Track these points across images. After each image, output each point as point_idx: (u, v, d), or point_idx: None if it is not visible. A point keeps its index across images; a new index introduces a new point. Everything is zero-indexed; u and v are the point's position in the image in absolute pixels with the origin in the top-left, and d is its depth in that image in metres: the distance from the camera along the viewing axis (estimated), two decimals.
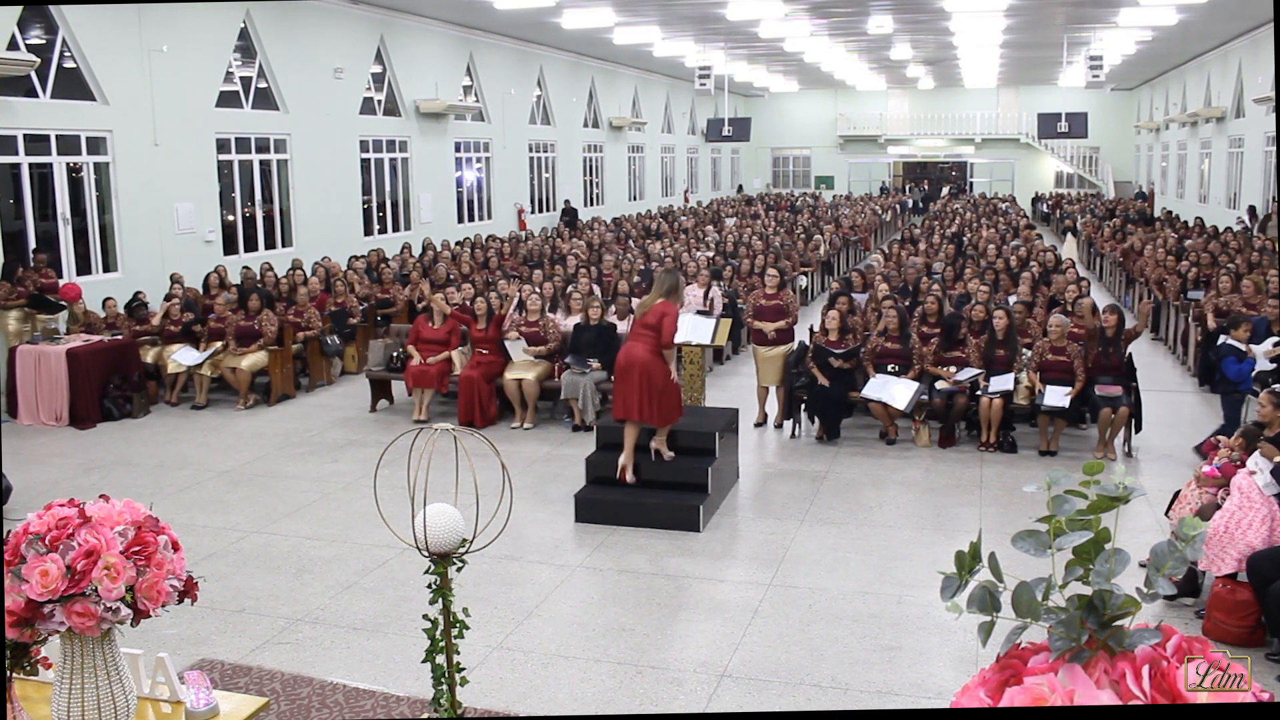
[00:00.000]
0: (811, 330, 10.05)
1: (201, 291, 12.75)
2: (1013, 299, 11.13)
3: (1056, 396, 8.65)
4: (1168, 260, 14.57)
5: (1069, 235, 23.90)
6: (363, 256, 15.52)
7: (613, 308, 11.12)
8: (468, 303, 10.65)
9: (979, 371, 9.06)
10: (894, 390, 9.01)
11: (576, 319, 10.47)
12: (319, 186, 16.43)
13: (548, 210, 24.86)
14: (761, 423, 9.80)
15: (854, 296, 11.00)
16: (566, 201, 24.66)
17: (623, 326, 10.60)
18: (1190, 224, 21.78)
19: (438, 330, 10.26)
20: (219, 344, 10.94)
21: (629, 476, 7.36)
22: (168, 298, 11.71)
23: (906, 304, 10.78)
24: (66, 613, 2.36)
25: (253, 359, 10.81)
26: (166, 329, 11.26)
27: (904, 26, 21.64)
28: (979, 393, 8.93)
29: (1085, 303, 9.85)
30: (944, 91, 38.32)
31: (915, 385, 9.05)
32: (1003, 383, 8.87)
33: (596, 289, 11.95)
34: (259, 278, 13.34)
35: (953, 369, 9.16)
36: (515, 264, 16.00)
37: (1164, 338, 13.64)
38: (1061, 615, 1.49)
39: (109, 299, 11.63)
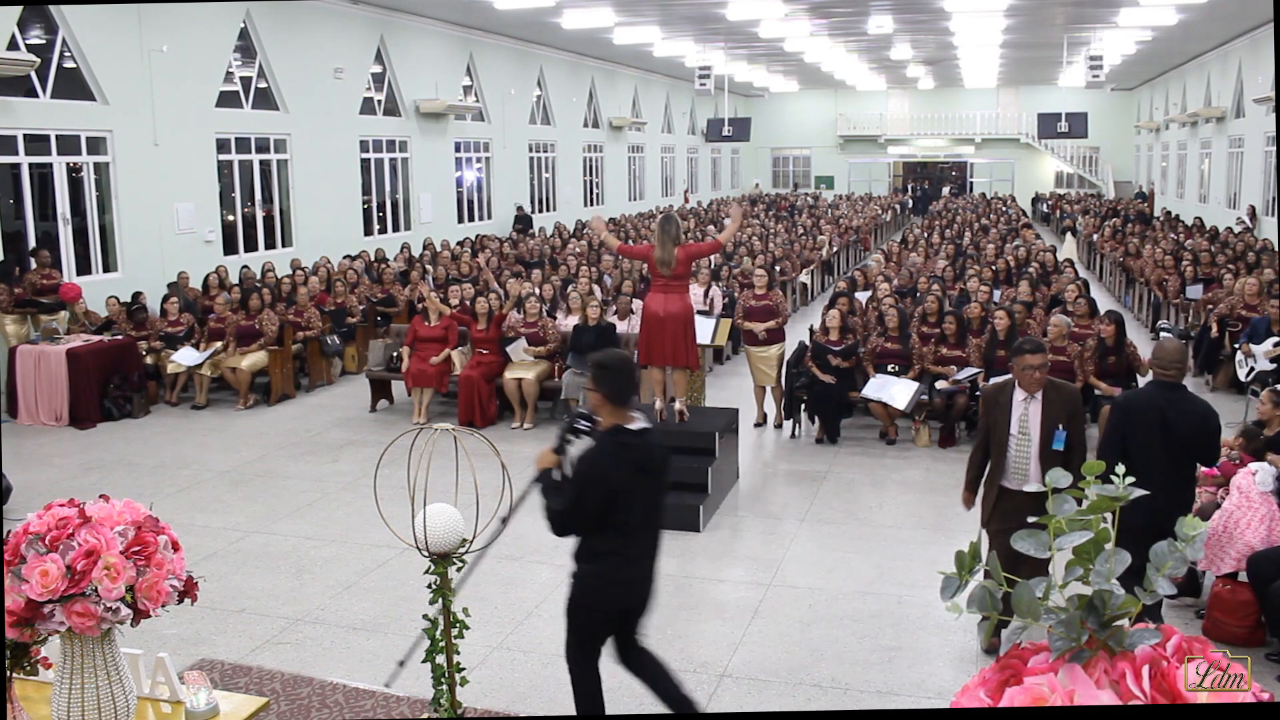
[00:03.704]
0: (811, 330, 10.05)
1: (201, 291, 12.75)
2: (998, 294, 11.14)
3: None
4: (1166, 260, 14.58)
5: (1068, 235, 23.90)
6: (357, 256, 15.53)
7: (613, 307, 11.12)
8: (467, 302, 10.65)
9: (979, 370, 9.06)
10: (894, 390, 9.01)
11: (576, 319, 10.48)
12: (319, 186, 16.43)
13: (548, 210, 24.85)
14: (761, 423, 9.80)
15: (855, 296, 11.00)
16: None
17: (623, 326, 10.60)
18: (1190, 225, 21.78)
19: (434, 328, 10.25)
20: (219, 344, 10.94)
21: (667, 414, 7.75)
22: (166, 298, 11.71)
23: (907, 302, 10.78)
24: (66, 613, 2.36)
25: (253, 359, 10.81)
26: (165, 330, 11.26)
27: (904, 26, 21.63)
28: (978, 392, 8.93)
29: (1081, 304, 9.84)
30: (944, 91, 38.29)
31: (915, 385, 9.05)
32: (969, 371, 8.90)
33: (596, 288, 11.96)
34: (260, 277, 13.35)
35: (953, 368, 9.16)
36: (510, 264, 16.02)
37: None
38: (1061, 615, 1.49)
39: (111, 297, 11.64)
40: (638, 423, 3.92)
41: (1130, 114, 37.11)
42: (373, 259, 15.52)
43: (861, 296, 11.43)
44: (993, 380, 8.89)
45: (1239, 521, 5.42)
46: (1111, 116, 36.09)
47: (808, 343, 9.77)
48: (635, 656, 4.18)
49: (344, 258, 15.29)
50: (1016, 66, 29.89)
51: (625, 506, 3.82)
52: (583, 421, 3.90)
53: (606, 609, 4.02)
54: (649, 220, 23.34)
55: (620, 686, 5.00)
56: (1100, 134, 33.83)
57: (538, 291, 11.25)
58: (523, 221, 22.10)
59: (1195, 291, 12.84)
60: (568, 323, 10.63)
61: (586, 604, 4.00)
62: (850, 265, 20.53)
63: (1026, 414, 5.15)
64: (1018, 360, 5.17)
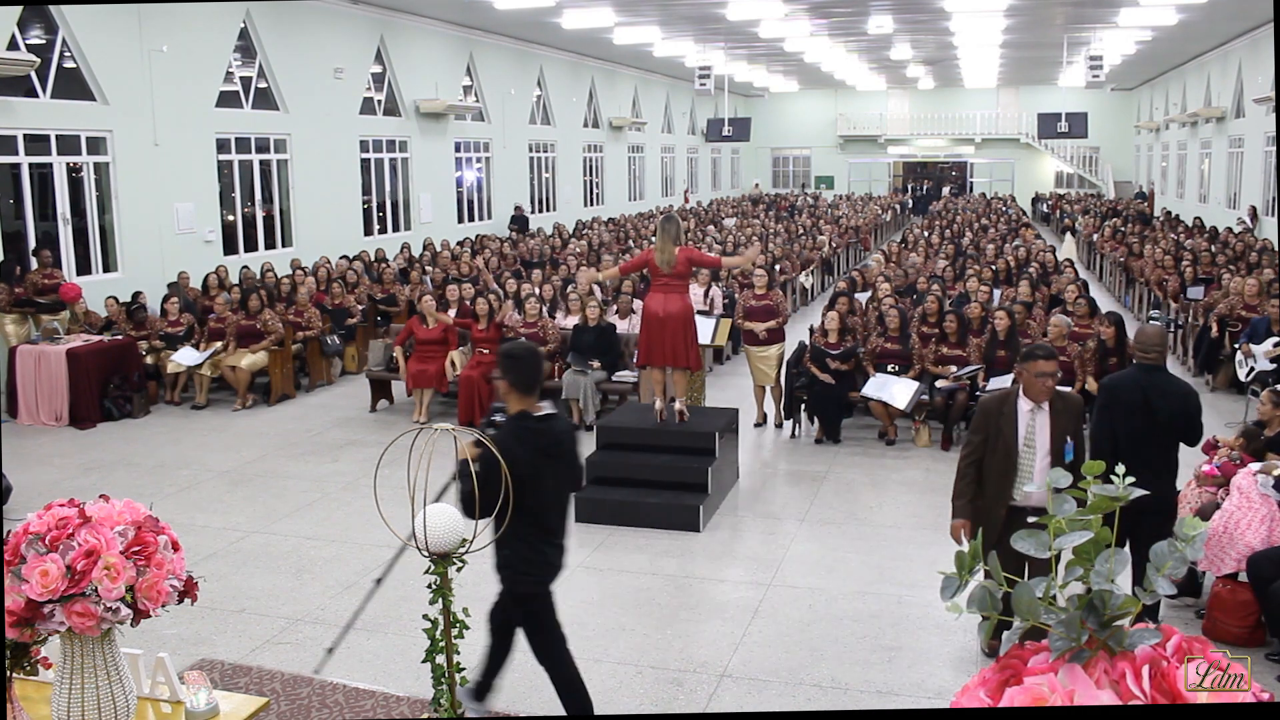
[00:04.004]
0: (811, 330, 10.04)
1: (201, 292, 12.74)
2: (998, 293, 11.13)
3: None
4: (1165, 261, 14.57)
5: (1069, 235, 23.91)
6: (355, 257, 15.46)
7: (613, 307, 11.11)
8: (468, 302, 10.64)
9: (979, 366, 9.05)
10: (894, 389, 9.01)
11: (575, 319, 10.48)
12: (319, 186, 16.42)
13: (548, 210, 24.84)
14: (761, 423, 9.80)
15: (855, 296, 11.00)
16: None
17: (623, 326, 10.59)
18: (1190, 225, 21.77)
19: (432, 330, 10.23)
20: (219, 344, 10.93)
21: (667, 414, 7.78)
22: (167, 298, 11.69)
23: (907, 302, 10.77)
24: (66, 613, 2.36)
25: (252, 359, 10.80)
26: (165, 330, 11.23)
27: (904, 26, 21.63)
28: (979, 392, 8.93)
29: (1081, 304, 9.82)
30: (944, 91, 38.29)
31: (915, 385, 9.05)
32: (1002, 382, 8.87)
33: (596, 288, 11.95)
34: (259, 277, 13.32)
35: (953, 368, 9.15)
36: (510, 264, 15.99)
37: None
38: (1061, 615, 1.49)
39: (110, 298, 11.62)
40: (544, 409, 4.19)
41: (1130, 114, 37.12)
42: (372, 259, 15.49)
43: (861, 297, 11.43)
44: (991, 388, 8.88)
45: (1239, 522, 5.42)
46: (1111, 116, 36.09)
47: (808, 343, 9.77)
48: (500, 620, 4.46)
49: (340, 258, 15.25)
50: (1016, 66, 29.89)
51: (533, 490, 3.98)
52: (501, 414, 4.23)
53: (539, 589, 4.24)
54: (649, 220, 23.37)
55: (619, 686, 5.01)
56: (1100, 134, 33.83)
57: (537, 292, 11.25)
58: (519, 222, 22.02)
59: (1196, 293, 12.85)
60: (568, 323, 10.63)
61: (524, 593, 4.22)
62: (850, 265, 20.53)
63: (1034, 425, 4.90)
64: (1029, 366, 4.87)
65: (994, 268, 13.34)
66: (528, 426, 4.09)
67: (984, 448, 5.01)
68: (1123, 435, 5.15)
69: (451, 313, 10.64)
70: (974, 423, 5.17)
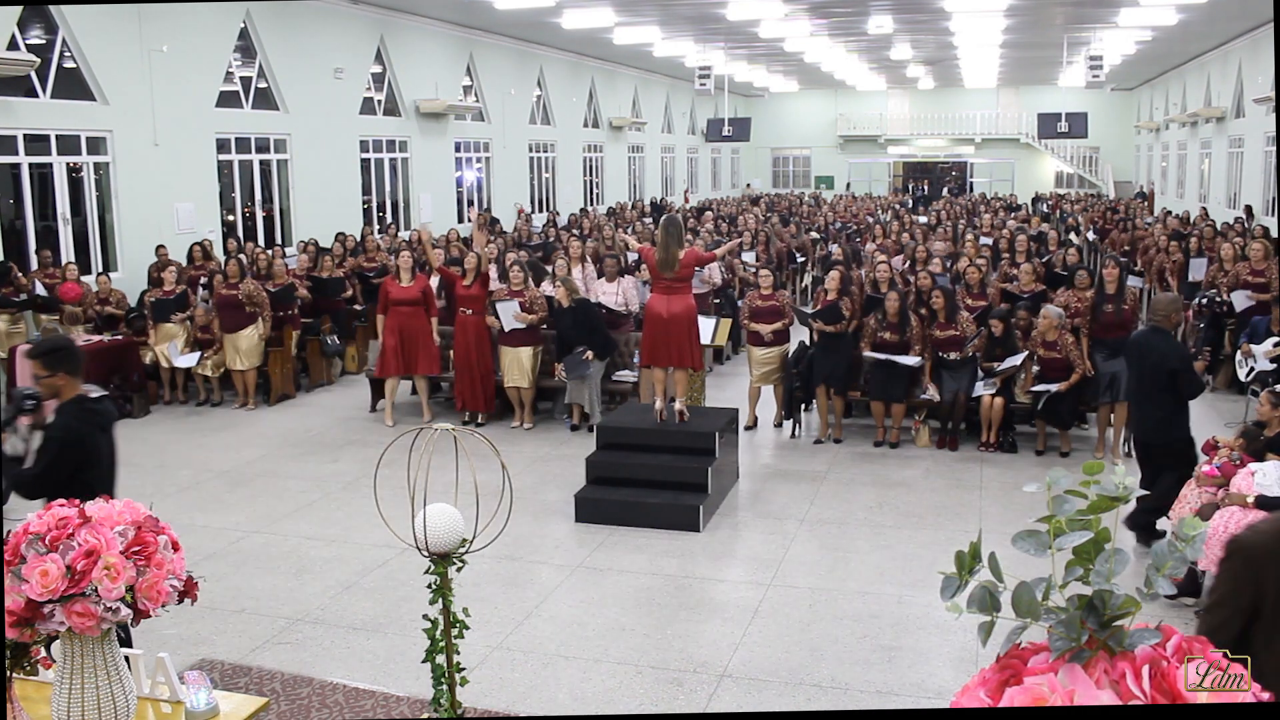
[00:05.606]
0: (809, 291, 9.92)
1: (186, 263, 12.36)
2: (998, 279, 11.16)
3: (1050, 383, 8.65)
4: (1170, 247, 14.49)
5: (1073, 235, 23.94)
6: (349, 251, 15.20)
7: (599, 278, 11.08)
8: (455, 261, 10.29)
9: (981, 322, 9.08)
10: (899, 360, 8.94)
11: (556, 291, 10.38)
12: (319, 186, 16.42)
13: (548, 210, 24.83)
14: (751, 426, 9.71)
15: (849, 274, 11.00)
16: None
17: (611, 290, 10.58)
18: (1194, 218, 21.76)
19: (409, 289, 9.76)
20: (213, 346, 10.74)
21: (667, 414, 7.82)
22: (162, 267, 11.40)
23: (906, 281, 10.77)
24: (66, 613, 2.36)
25: (248, 348, 10.57)
26: (158, 297, 10.90)
27: (904, 26, 21.62)
28: (979, 374, 8.92)
29: (1083, 275, 9.73)
30: (944, 91, 38.28)
31: (918, 359, 9.01)
32: (1010, 362, 8.82)
33: (579, 270, 11.50)
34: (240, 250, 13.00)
35: (953, 354, 9.07)
36: (511, 246, 15.88)
37: None
38: (1061, 615, 1.49)
39: (102, 275, 11.48)
40: (94, 392, 4.50)
41: (1130, 114, 37.10)
42: (358, 238, 15.08)
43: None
44: (1003, 368, 8.74)
45: (1239, 522, 5.42)
46: (1111, 116, 36.07)
47: (806, 342, 9.76)
48: None
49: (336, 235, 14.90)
50: (1016, 66, 29.87)
51: (94, 463, 4.36)
52: (28, 401, 4.45)
53: None
54: (647, 219, 23.35)
55: (619, 686, 5.01)
56: (1100, 134, 33.81)
57: (520, 262, 10.68)
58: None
59: (1198, 267, 12.58)
60: (554, 291, 10.51)
61: None
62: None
63: None
64: None
65: (991, 241, 13.44)
66: (89, 408, 4.38)
67: (1250, 615, 2.65)
68: (1129, 381, 6.68)
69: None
70: (1227, 580, 2.76)
